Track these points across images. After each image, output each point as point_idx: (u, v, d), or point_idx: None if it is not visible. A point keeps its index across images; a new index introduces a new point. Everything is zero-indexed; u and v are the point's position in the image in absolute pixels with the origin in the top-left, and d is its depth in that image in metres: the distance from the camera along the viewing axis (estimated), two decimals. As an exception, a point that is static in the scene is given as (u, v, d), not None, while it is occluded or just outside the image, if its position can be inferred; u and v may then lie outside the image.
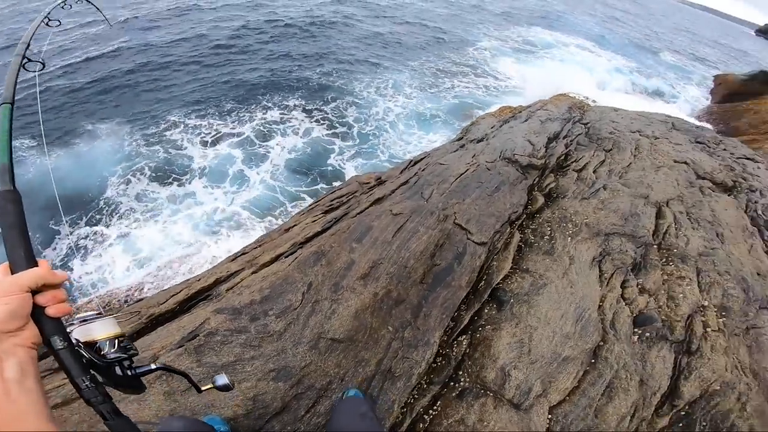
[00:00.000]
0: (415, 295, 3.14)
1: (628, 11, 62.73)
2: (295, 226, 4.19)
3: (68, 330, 0.73)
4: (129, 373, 0.78)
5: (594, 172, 5.65)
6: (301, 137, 11.22)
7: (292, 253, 3.39)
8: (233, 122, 11.57)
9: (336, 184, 9.57)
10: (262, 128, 11.39)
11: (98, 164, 9.66)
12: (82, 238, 8.00)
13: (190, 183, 9.44)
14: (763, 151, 9.32)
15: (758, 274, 4.10)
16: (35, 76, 1.25)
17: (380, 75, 15.23)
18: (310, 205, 5.17)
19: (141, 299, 5.12)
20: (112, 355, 0.77)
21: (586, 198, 4.94)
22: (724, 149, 6.83)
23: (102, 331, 0.78)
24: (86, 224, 8.28)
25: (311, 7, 22.59)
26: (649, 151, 6.11)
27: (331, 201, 4.56)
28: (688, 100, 18.41)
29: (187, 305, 3.08)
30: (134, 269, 7.45)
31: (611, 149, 6.27)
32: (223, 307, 2.66)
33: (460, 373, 2.84)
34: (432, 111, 13.08)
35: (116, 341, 0.79)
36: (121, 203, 8.80)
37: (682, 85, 22.81)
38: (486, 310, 3.33)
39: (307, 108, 12.54)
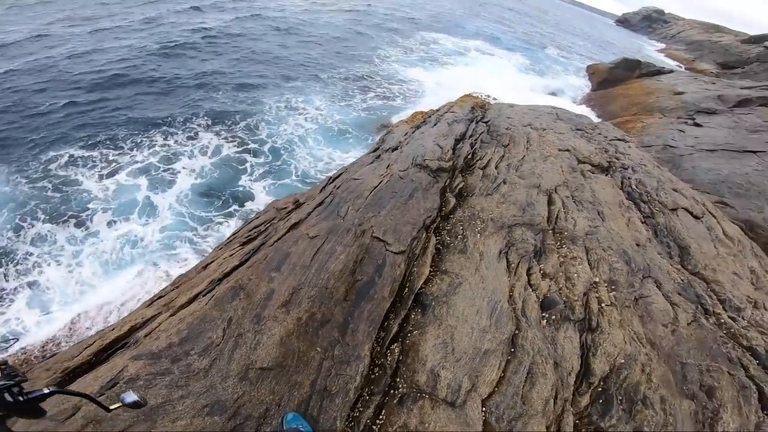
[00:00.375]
0: (340, 313, 3.25)
1: (513, 10, 68.75)
2: (212, 262, 4.09)
3: None
4: (20, 399, 0.77)
5: (496, 167, 6.18)
6: (209, 158, 10.70)
7: (209, 291, 3.32)
8: (131, 150, 10.67)
9: (248, 204, 9.39)
10: (165, 153, 10.65)
11: None
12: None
13: (91, 220, 8.57)
14: (635, 131, 10.84)
15: (637, 245, 4.79)
16: None
17: (290, 91, 15.10)
18: (228, 238, 5.05)
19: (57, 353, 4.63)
20: None
21: (490, 194, 5.40)
22: (599, 133, 7.86)
23: None
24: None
25: (209, 25, 21.70)
26: (538, 143, 6.84)
27: (249, 231, 4.52)
28: (572, 90, 20.75)
29: (103, 355, 2.91)
30: (45, 323, 6.64)
31: (508, 144, 6.90)
32: (140, 353, 2.56)
33: (398, 380, 3.01)
34: (343, 124, 13.27)
35: None
36: (16, 250, 7.79)
37: (565, 76, 25.65)
38: (413, 316, 3.54)
39: (214, 128, 12.00)
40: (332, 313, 3.22)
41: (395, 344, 3.23)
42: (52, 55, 15.71)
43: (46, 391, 0.83)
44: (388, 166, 5.76)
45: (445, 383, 2.92)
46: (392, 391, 2.92)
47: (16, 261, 7.58)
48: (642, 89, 15.94)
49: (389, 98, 16.32)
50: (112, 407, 0.92)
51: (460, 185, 5.65)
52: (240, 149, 11.25)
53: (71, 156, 10.23)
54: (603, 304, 3.73)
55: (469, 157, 6.53)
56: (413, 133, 7.38)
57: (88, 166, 10.05)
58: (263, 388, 2.59)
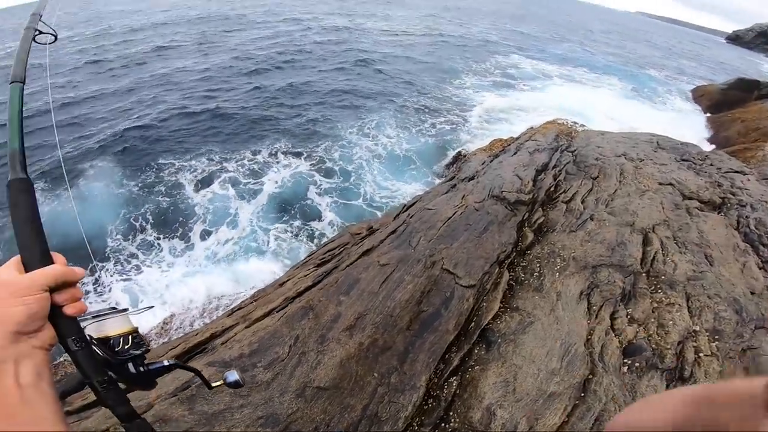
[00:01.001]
0: (402, 341, 3.31)
1: (602, 31, 64.87)
2: (288, 280, 4.44)
3: (82, 326, 0.73)
4: (141, 369, 0.78)
5: (582, 202, 5.85)
6: (286, 176, 11.88)
7: (283, 308, 3.61)
8: (223, 162, 12.31)
9: (314, 222, 10.08)
10: (251, 167, 12.11)
11: (98, 208, 10.17)
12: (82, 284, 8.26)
13: (189, 228, 9.90)
14: (755, 161, 9.48)
15: (752, 293, 4.18)
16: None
17: (364, 116, 15.91)
18: (304, 258, 5.43)
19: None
20: (126, 352, 0.77)
21: (574, 231, 5.12)
22: (711, 165, 7.02)
23: (116, 327, 0.78)
24: (89, 271, 8.47)
25: (299, 48, 24.17)
26: (633, 176, 6.33)
27: (324, 254, 4.83)
28: (677, 114, 18.75)
29: (184, 358, 3.29)
30: (138, 321, 7.67)
31: (597, 176, 6.50)
32: (214, 360, 2.88)
33: (451, 413, 2.97)
34: (410, 152, 13.54)
35: (129, 337, 0.78)
36: (123, 249, 9.16)
37: (670, 99, 23.25)
38: (476, 351, 3.47)
39: (294, 149, 13.25)
40: (394, 341, 3.29)
41: (454, 378, 3.20)
42: (167, 71, 18.79)
43: (166, 363, 0.84)
44: (464, 196, 5.77)
45: (500, 423, 2.81)
46: (443, 425, 2.89)
47: (121, 260, 8.94)
48: (762, 112, 13.94)
49: (462, 125, 16.24)
50: (214, 384, 0.93)
51: (540, 220, 5.44)
52: (314, 170, 12.20)
53: (177, 165, 12.05)
54: (701, 354, 3.33)
55: (552, 189, 6.27)
56: (491, 162, 7.31)
57: (190, 175, 11.74)
58: (316, 407, 2.73)
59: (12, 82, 0.90)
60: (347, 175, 11.99)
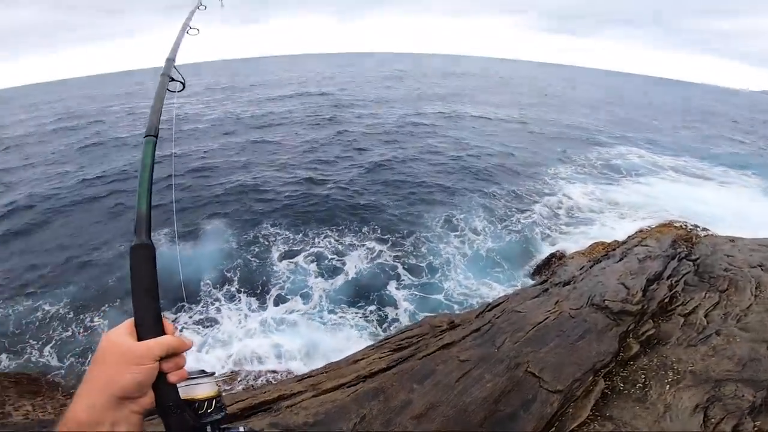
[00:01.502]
0: (472, 438, 3.10)
1: (723, 114, 54.70)
2: (362, 359, 4.53)
3: None
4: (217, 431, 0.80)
5: (705, 316, 5.15)
6: (368, 261, 12.32)
7: (353, 385, 3.70)
8: (313, 239, 13.45)
9: (389, 309, 10.09)
10: (336, 247, 12.99)
11: (201, 259, 11.85)
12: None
13: (267, 291, 10.93)
14: None
15: None
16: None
17: (453, 207, 15.89)
18: (380, 341, 5.49)
19: None
20: (208, 416, 0.79)
21: (694, 345, 4.49)
22: None
23: (203, 391, 0.80)
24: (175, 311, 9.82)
25: (391, 134, 25.83)
26: (774, 290, 5.41)
27: (401, 340, 4.88)
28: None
29: (249, 412, 3.47)
30: (210, 367, 8.19)
31: (726, 289, 5.72)
32: (278, 422, 3.02)
33: None
34: (497, 253, 12.98)
35: (213, 401, 0.80)
36: (210, 295, 10.47)
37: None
38: None
39: (380, 236, 13.79)
40: (463, 436, 3.11)
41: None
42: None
43: (242, 429, 0.83)
44: (558, 302, 5.50)
45: None
46: None
47: (208, 302, 10.23)
48: None
49: (556, 223, 15.08)
50: None
51: (650, 332, 4.89)
52: (396, 259, 12.43)
53: (271, 233, 13.73)
54: None
55: (666, 301, 5.65)
56: (591, 267, 6.89)
57: (281, 244, 13.15)
58: None
59: (146, 136, 0.87)
60: (430, 270, 12.09)
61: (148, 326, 0.72)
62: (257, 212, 15.49)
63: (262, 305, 10.54)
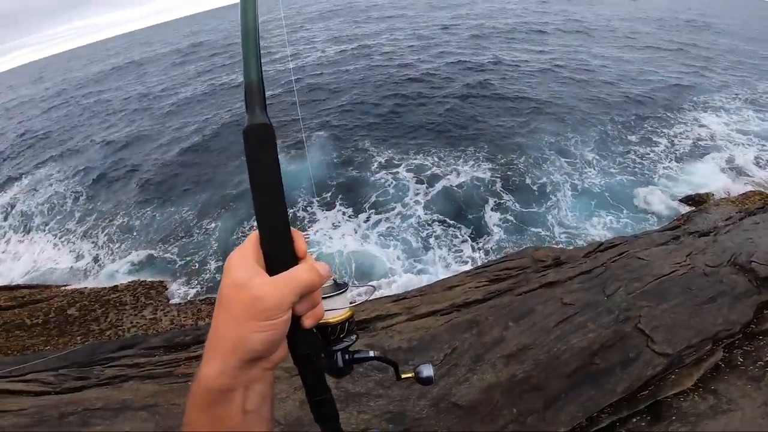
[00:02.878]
0: (557, 387, 3.07)
1: None
2: (457, 286, 4.53)
3: None
4: (347, 358, 0.69)
5: None
6: (469, 179, 12.13)
7: (448, 313, 3.74)
8: (415, 155, 13.62)
9: (494, 239, 9.89)
10: (439, 161, 13.04)
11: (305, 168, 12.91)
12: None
13: (366, 202, 11.64)
14: None
15: None
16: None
17: (566, 129, 14.53)
18: (477, 268, 5.45)
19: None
20: (340, 341, 0.68)
21: None
22: None
23: (337, 312, 0.67)
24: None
25: (519, 55, 23.59)
26: None
27: (499, 270, 4.75)
28: None
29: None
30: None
31: None
32: (373, 343, 3.18)
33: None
34: (623, 185, 11.57)
35: (346, 324, 0.68)
36: (311, 204, 11.53)
37: None
38: (634, 420, 3.02)
39: (485, 153, 13.33)
40: (548, 384, 3.09)
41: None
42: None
43: (371, 354, 0.74)
44: (690, 254, 4.84)
45: None
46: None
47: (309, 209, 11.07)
48: None
49: (693, 161, 12.97)
50: (404, 376, 0.79)
51: (801, 308, 4.17)
52: (500, 179, 12.04)
53: (372, 146, 14.46)
54: None
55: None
56: (741, 220, 5.89)
57: (382, 156, 13.72)
58: (443, 422, 2.79)
59: None
60: (534, 196, 11.42)
61: (278, 251, 0.58)
62: (361, 125, 15.63)
63: (357, 216, 11.14)
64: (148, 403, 3.09)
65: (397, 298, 4.51)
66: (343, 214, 11.19)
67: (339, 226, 10.75)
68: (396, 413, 2.80)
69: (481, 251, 9.50)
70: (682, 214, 6.86)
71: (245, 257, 0.57)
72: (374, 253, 9.55)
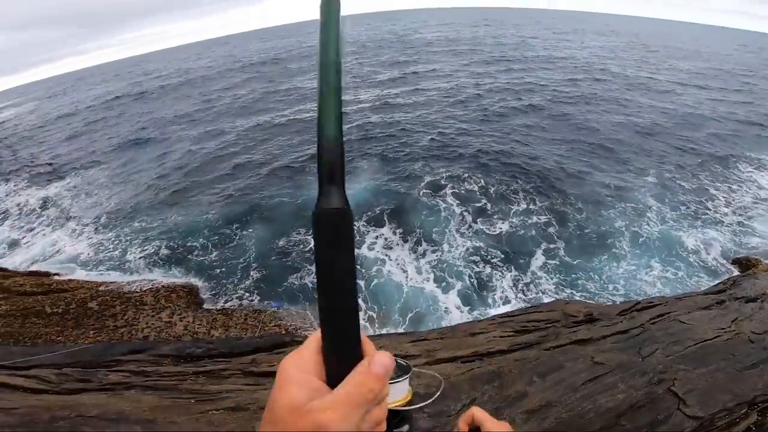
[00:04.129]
0: (579, 448, 2.97)
1: None
2: (481, 333, 4.51)
3: None
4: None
5: None
6: (521, 221, 11.95)
7: (469, 361, 3.73)
8: (465, 181, 13.97)
9: (533, 285, 9.70)
10: (493, 194, 13.34)
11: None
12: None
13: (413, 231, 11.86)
14: None
15: None
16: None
17: (629, 174, 14.26)
18: (503, 315, 5.39)
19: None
20: (399, 427, 0.66)
21: None
22: None
23: (395, 396, 0.65)
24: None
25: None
26: None
27: (527, 322, 4.69)
28: None
29: None
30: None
31: None
32: None
33: None
34: (684, 242, 11.18)
35: (400, 412, 0.66)
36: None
37: None
38: None
39: (542, 191, 13.27)
40: (570, 444, 2.99)
41: None
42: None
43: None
44: (736, 320, 4.68)
45: None
46: None
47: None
48: None
49: (750, 224, 12.48)
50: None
51: None
52: (552, 219, 11.95)
53: (425, 172, 14.99)
54: None
55: None
56: (793, 288, 5.64)
57: (435, 182, 14.23)
58: None
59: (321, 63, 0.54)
60: (588, 244, 11.18)
61: (343, 362, 0.51)
62: (413, 154, 16.41)
63: (407, 240, 11.62)
64: (145, 417, 3.01)
65: (416, 338, 4.50)
66: (394, 233, 11.58)
67: (392, 248, 11.16)
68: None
69: (518, 295, 9.44)
70: (728, 278, 6.62)
71: (303, 371, 0.52)
72: (429, 290, 9.63)
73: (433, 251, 11.14)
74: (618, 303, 5.70)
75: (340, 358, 0.51)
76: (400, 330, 8.55)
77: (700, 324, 4.58)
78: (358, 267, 10.52)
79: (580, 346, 4.01)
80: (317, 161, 0.49)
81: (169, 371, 4.62)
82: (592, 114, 21.61)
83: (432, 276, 10.28)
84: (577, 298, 9.21)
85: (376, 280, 10.18)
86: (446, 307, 9.38)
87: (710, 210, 13.23)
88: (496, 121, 20.05)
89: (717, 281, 7.27)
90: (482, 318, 6.32)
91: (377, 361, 0.51)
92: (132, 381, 4.14)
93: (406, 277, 10.30)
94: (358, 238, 11.71)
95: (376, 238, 11.76)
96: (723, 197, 14.00)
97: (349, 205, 0.50)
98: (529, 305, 6.36)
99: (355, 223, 11.91)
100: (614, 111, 22.43)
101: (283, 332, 9.06)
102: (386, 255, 11.15)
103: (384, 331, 8.61)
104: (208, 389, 3.69)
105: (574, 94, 25.69)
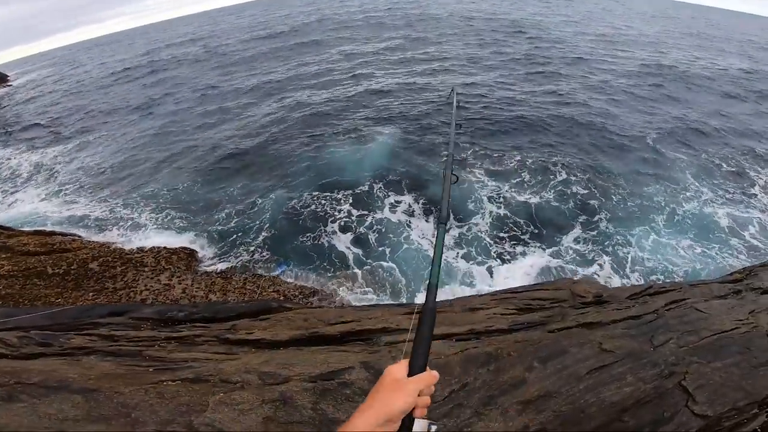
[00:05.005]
0: (575, 442, 2.70)
1: None
2: (480, 309, 4.19)
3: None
4: None
5: None
6: (554, 193, 11.80)
7: (465, 340, 3.42)
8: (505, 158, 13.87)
9: (563, 258, 9.47)
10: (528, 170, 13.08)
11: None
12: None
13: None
14: None
15: None
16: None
17: (668, 159, 13.88)
18: (506, 290, 5.08)
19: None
20: None
21: None
22: None
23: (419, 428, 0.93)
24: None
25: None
26: None
27: (531, 299, 4.37)
28: None
29: (347, 338, 3.48)
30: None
31: None
32: (371, 363, 2.89)
33: None
34: (718, 219, 10.94)
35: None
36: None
37: None
38: None
39: (580, 163, 13.02)
40: (565, 438, 2.73)
41: None
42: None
43: None
44: (753, 311, 4.40)
45: None
46: None
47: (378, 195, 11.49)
48: None
49: None
50: None
51: None
52: (586, 193, 11.63)
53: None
54: None
55: None
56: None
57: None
58: None
59: (438, 225, 1.22)
60: (617, 221, 10.89)
61: (417, 368, 0.98)
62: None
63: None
64: (89, 386, 2.81)
65: (410, 311, 4.20)
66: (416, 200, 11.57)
67: (413, 216, 11.12)
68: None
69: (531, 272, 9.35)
70: (745, 268, 6.30)
71: (399, 368, 0.98)
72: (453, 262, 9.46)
73: (459, 221, 10.95)
74: (629, 285, 5.35)
75: (416, 367, 0.99)
76: (416, 301, 8.41)
77: (718, 314, 4.28)
78: (383, 231, 10.86)
79: (587, 330, 3.69)
80: (428, 287, 1.22)
81: (140, 335, 4.39)
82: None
83: (460, 247, 10.11)
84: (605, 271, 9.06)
85: (404, 245, 10.03)
86: (471, 281, 9.24)
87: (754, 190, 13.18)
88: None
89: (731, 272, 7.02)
90: (483, 293, 6.00)
91: (434, 371, 1.00)
92: (96, 346, 3.93)
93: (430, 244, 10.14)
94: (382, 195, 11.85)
95: (405, 204, 11.64)
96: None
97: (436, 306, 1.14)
98: (536, 284, 6.02)
99: (376, 182, 11.87)
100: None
101: (281, 298, 8.94)
102: (408, 222, 10.98)
103: (402, 300, 8.50)
104: (173, 357, 3.43)
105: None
